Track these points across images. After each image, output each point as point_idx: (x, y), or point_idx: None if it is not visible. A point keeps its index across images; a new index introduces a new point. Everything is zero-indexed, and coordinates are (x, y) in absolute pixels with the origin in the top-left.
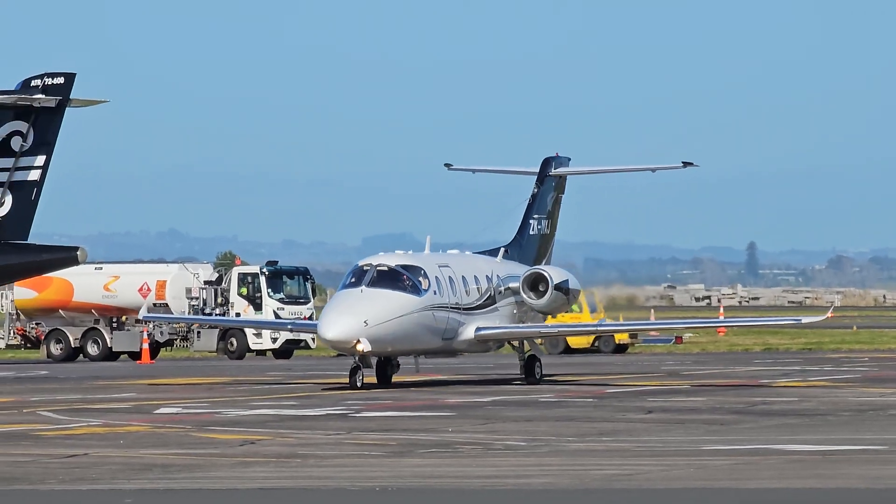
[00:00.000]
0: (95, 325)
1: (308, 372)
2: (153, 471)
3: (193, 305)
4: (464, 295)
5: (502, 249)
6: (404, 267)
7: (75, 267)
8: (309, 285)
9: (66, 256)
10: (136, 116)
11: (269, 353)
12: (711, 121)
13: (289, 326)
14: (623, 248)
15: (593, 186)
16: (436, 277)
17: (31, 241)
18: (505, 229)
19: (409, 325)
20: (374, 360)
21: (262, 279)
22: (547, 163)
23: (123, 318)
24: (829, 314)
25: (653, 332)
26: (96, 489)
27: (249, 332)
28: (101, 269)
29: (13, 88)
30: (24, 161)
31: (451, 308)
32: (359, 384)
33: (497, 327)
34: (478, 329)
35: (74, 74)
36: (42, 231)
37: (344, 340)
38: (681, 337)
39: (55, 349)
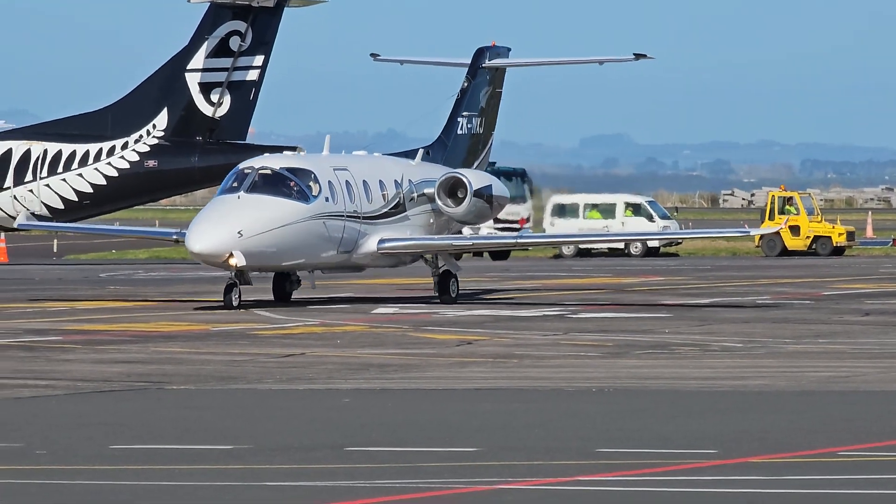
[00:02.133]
0: None
1: (525, 273)
2: (370, 370)
3: None
4: (364, 202)
5: (421, 150)
6: (291, 170)
7: None
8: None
9: None
10: (354, 17)
11: (486, 255)
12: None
13: (174, 237)
14: (842, 149)
15: (801, 87)
16: (329, 182)
17: (248, 140)
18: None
19: (294, 236)
20: (251, 276)
21: None
22: (480, 53)
23: None
24: (783, 225)
25: (545, 245)
26: (313, 388)
27: None
28: None
29: None
30: (242, 61)
31: (349, 217)
32: (235, 303)
33: (404, 239)
34: (381, 241)
35: None
36: (260, 131)
37: (213, 254)
38: None
39: None
